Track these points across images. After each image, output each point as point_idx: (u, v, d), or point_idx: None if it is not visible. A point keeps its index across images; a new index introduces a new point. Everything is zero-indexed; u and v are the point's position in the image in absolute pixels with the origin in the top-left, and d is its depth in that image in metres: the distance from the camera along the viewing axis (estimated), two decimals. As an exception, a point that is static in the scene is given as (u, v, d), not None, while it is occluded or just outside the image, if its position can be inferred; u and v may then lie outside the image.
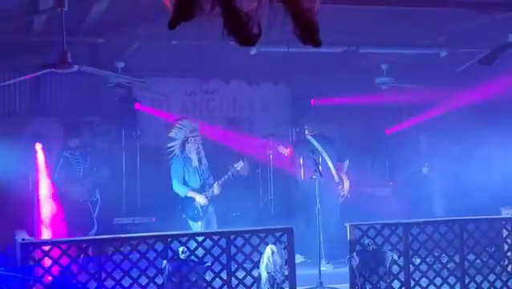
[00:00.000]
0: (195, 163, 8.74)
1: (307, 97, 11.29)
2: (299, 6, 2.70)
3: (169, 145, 8.86)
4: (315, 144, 9.21)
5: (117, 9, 8.14)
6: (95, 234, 8.74)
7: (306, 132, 9.41)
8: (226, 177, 8.78)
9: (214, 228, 8.61)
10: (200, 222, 8.68)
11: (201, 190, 8.77)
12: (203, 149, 8.89)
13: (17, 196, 9.25)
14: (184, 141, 8.75)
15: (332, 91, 10.99)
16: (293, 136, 11.58)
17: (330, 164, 9.19)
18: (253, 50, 9.35)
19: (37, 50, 9.40)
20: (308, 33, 2.76)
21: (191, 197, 8.73)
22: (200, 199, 8.70)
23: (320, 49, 8.51)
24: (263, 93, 11.83)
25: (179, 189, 8.76)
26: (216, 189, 8.77)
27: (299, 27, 2.73)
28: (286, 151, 8.89)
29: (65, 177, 9.11)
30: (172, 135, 8.86)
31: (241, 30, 2.68)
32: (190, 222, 8.72)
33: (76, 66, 7.17)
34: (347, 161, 9.48)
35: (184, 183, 8.77)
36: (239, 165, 8.78)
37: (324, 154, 9.14)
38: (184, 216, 8.73)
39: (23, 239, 6.86)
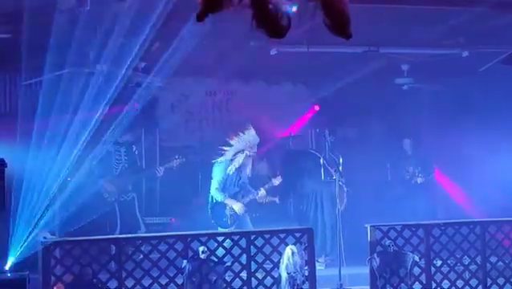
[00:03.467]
0: (235, 169, 8.63)
1: (327, 97, 11.24)
2: None
3: (225, 148, 8.67)
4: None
5: (138, 8, 8.15)
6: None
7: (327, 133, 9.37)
8: (267, 187, 8.77)
9: None
10: (227, 230, 8.56)
11: (235, 197, 8.68)
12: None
13: (39, 194, 9.29)
14: (239, 152, 8.60)
15: (352, 92, 10.93)
16: (312, 137, 11.54)
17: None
18: (273, 51, 9.33)
19: (58, 49, 9.44)
20: (339, 24, 2.72)
21: (223, 204, 8.62)
22: (237, 207, 8.58)
23: (340, 49, 8.50)
24: (283, 93, 11.78)
25: (218, 194, 8.61)
26: (261, 194, 8.70)
27: (330, 18, 2.69)
28: (277, 180, 8.82)
29: (101, 170, 9.12)
30: (232, 142, 8.63)
31: (270, 22, 2.65)
32: (220, 229, 8.58)
33: (98, 65, 7.20)
34: None
35: (223, 188, 8.68)
36: (277, 180, 8.75)
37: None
38: (212, 221, 8.65)
39: (44, 238, 6.91)
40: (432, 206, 10.17)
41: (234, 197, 8.65)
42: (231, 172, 8.60)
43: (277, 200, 8.96)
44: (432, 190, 10.28)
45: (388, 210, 9.91)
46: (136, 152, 9.37)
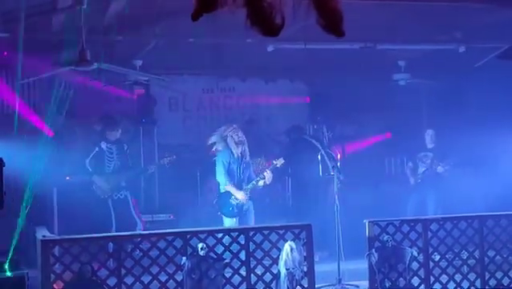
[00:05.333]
0: (236, 155, 8.70)
1: (324, 94, 11.27)
2: None
3: (211, 142, 8.86)
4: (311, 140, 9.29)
5: (135, 7, 8.16)
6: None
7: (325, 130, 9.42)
8: (271, 167, 8.80)
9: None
10: (234, 219, 8.64)
11: (239, 186, 8.74)
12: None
13: (37, 193, 9.31)
14: (225, 138, 8.75)
15: (349, 88, 10.96)
16: (310, 133, 11.55)
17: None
18: (270, 48, 9.34)
19: (56, 48, 9.45)
20: (332, 23, 2.76)
21: (228, 194, 8.69)
22: (239, 195, 8.65)
23: (337, 45, 8.51)
24: (280, 90, 11.80)
25: (222, 178, 8.73)
26: (267, 176, 8.72)
27: (323, 17, 2.73)
28: (279, 162, 8.87)
29: (94, 167, 9.14)
30: (211, 142, 8.84)
31: (265, 21, 2.69)
32: (225, 219, 8.69)
33: (95, 63, 7.21)
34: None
35: (226, 175, 8.73)
36: (279, 162, 8.80)
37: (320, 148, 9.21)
38: (219, 213, 8.73)
39: (44, 236, 6.92)
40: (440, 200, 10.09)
41: (239, 185, 8.72)
42: (233, 159, 8.71)
43: (280, 162, 8.91)
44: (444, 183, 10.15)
45: (389, 205, 9.96)
46: (128, 152, 9.37)
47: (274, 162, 8.82)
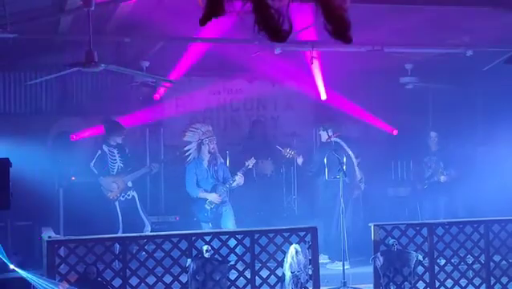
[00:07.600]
0: (206, 164, 8.94)
1: (331, 97, 11.24)
2: (330, 2, 2.73)
3: (186, 149, 9.08)
4: (342, 144, 9.27)
5: (142, 8, 8.18)
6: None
7: (331, 133, 9.37)
8: (242, 172, 9.00)
9: (230, 227, 8.68)
10: (210, 224, 8.83)
11: (213, 190, 8.91)
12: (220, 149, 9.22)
13: (43, 193, 9.35)
14: (200, 144, 8.95)
15: (356, 91, 10.94)
16: (316, 136, 11.53)
17: (354, 161, 9.25)
18: (277, 50, 9.34)
19: (63, 49, 9.48)
20: (339, 29, 2.79)
21: (202, 200, 8.89)
22: (212, 197, 8.84)
23: (344, 48, 8.47)
24: (286, 92, 11.78)
25: (191, 190, 8.97)
26: (238, 179, 8.93)
27: (331, 23, 2.76)
28: (251, 162, 9.01)
29: (99, 169, 9.17)
30: (186, 139, 9.07)
31: (272, 27, 2.73)
32: (202, 224, 8.89)
33: (102, 65, 7.22)
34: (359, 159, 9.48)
35: (197, 185, 8.94)
36: (250, 162, 8.87)
37: (350, 153, 9.20)
38: (195, 219, 8.91)
39: (49, 237, 6.93)
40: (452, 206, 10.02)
41: (214, 189, 8.89)
42: (200, 167, 8.92)
43: (251, 163, 9.06)
44: (451, 189, 10.08)
45: (395, 209, 9.94)
46: (129, 155, 9.42)
47: (246, 163, 8.99)
